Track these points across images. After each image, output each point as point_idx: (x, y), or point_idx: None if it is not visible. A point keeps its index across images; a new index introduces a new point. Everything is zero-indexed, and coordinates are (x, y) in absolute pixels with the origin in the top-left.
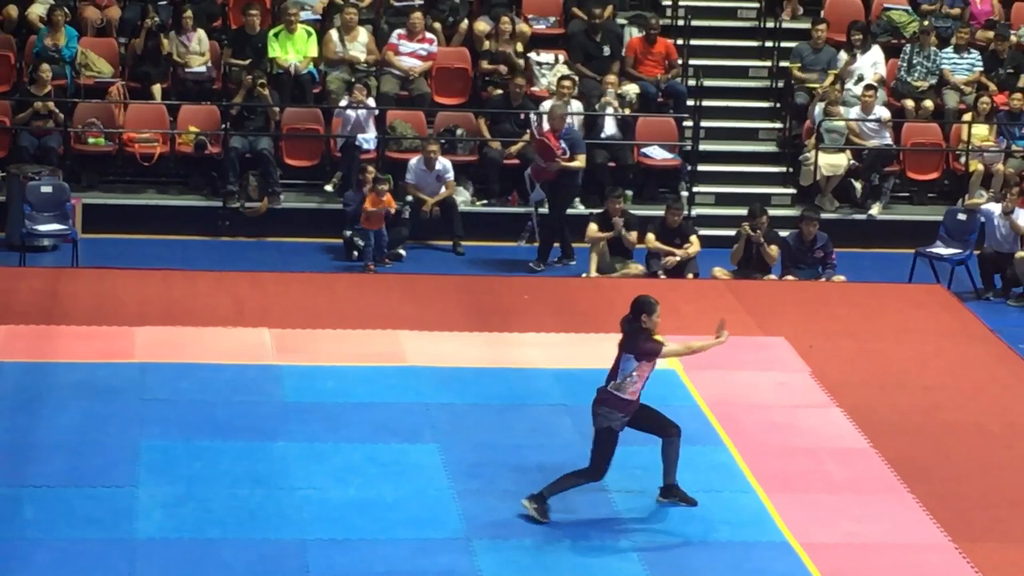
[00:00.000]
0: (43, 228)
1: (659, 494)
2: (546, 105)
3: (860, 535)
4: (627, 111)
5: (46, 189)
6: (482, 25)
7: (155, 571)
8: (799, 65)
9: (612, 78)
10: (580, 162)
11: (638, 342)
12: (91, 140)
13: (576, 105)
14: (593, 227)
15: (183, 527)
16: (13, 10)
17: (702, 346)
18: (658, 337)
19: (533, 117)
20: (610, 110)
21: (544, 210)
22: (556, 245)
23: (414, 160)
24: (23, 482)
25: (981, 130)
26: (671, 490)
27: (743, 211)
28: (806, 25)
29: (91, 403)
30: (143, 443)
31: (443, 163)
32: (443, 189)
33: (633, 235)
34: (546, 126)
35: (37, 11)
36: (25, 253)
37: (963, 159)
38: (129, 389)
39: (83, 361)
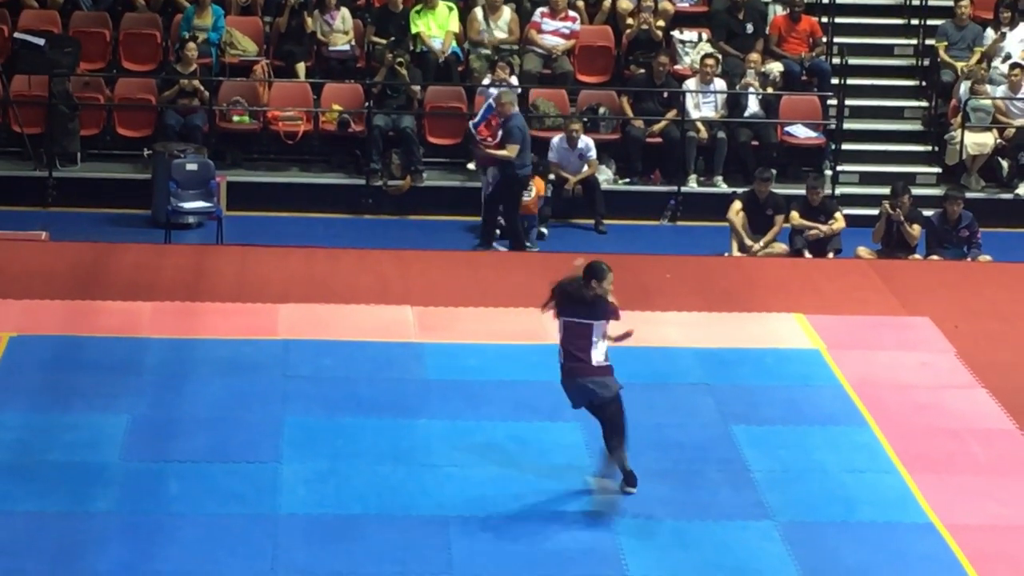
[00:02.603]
0: (188, 206)
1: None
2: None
3: (1005, 517)
4: (769, 89)
5: (191, 167)
6: (625, 3)
7: (297, 546)
8: (945, 44)
9: (755, 56)
10: (508, 152)
11: (607, 306)
12: (236, 118)
13: (719, 83)
14: (736, 205)
15: (325, 503)
16: None
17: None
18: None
19: (490, 100)
20: (750, 89)
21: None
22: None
23: (556, 138)
24: (168, 457)
25: None
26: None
27: (888, 190)
28: (952, 2)
29: (234, 379)
30: (286, 419)
31: (585, 141)
32: (585, 168)
33: (779, 218)
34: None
35: None
36: (170, 230)
37: None
38: (272, 366)
39: (227, 338)
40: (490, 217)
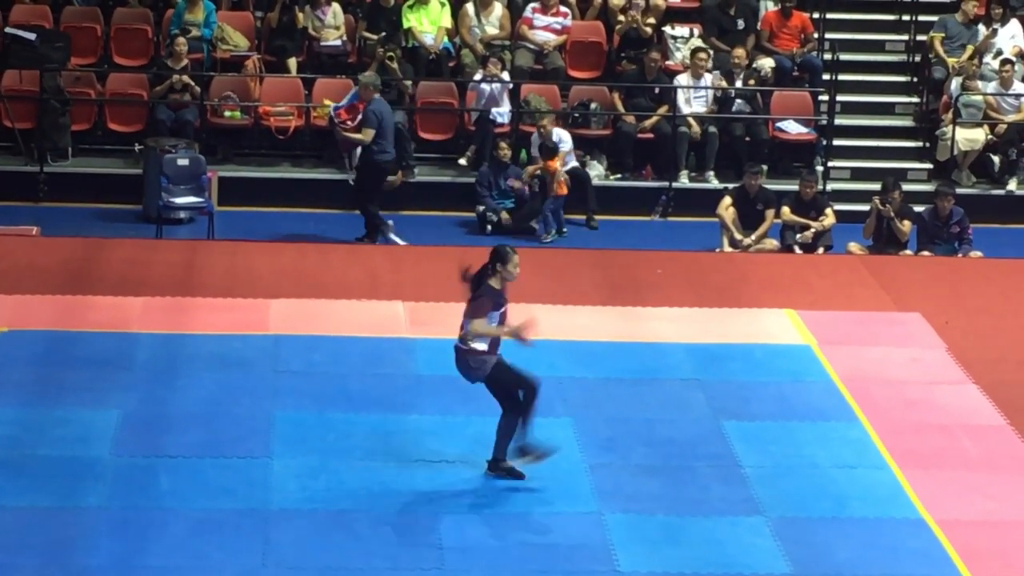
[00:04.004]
0: (179, 201)
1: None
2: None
3: (996, 513)
4: (751, 82)
5: (182, 162)
6: None
7: (288, 541)
8: (942, 36)
9: (739, 52)
10: (363, 136)
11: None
12: (227, 113)
13: (709, 79)
14: (726, 201)
15: (316, 499)
16: None
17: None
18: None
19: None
20: (738, 83)
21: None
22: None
23: (534, 134)
24: (159, 452)
25: None
26: (497, 464)
27: (879, 186)
28: None
29: (225, 374)
30: (277, 414)
31: (559, 135)
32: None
33: (770, 212)
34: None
35: None
36: (161, 225)
37: None
38: (263, 361)
39: (218, 333)
40: (364, 208)
